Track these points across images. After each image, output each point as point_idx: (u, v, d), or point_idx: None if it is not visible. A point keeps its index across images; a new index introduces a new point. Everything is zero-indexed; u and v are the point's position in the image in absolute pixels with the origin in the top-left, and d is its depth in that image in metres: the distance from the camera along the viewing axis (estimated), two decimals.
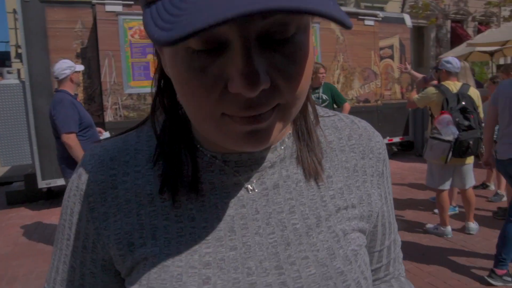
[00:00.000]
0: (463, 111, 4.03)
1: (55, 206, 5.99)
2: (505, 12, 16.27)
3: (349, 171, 0.63)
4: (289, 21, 0.42)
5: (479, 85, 8.14)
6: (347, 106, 5.18)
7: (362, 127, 0.67)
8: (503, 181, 5.30)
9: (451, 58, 4.33)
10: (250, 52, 0.41)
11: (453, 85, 4.15)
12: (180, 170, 0.56)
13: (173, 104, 0.58)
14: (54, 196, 6.40)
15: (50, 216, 5.53)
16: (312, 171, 0.59)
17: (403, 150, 9.71)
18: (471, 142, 3.96)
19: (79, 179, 0.58)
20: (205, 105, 0.44)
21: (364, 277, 0.58)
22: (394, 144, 9.05)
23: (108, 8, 5.46)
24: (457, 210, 5.09)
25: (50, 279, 0.63)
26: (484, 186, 6.20)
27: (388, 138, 8.41)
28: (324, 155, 0.62)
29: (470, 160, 4.20)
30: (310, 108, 0.62)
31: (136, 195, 0.56)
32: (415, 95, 4.46)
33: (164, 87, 0.57)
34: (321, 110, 0.67)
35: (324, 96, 4.99)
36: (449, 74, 4.25)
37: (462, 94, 4.06)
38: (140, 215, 0.56)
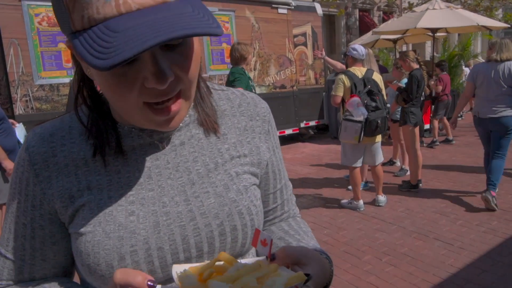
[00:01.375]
0: (370, 93, 4.42)
1: None
2: (405, 4, 17.60)
3: (240, 130, 0.81)
4: None
5: (384, 70, 8.82)
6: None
7: (250, 97, 0.86)
8: (407, 157, 5.86)
9: (357, 46, 4.69)
10: (156, 57, 0.57)
11: (359, 71, 4.52)
12: (107, 138, 0.71)
13: (93, 95, 0.72)
14: None
15: None
16: (210, 128, 0.77)
17: (319, 133, 10.24)
18: (379, 121, 4.36)
19: (25, 152, 0.72)
20: (129, 99, 0.59)
21: (253, 205, 0.76)
22: (310, 127, 9.50)
23: None
24: (368, 185, 5.54)
25: (3, 240, 0.75)
26: (391, 162, 6.79)
27: (304, 122, 8.81)
28: (219, 119, 0.80)
29: (379, 139, 4.62)
30: (202, 84, 0.79)
31: (72, 160, 0.71)
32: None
33: (83, 85, 0.71)
34: (217, 86, 0.85)
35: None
36: (355, 61, 4.62)
37: (367, 79, 4.45)
38: (78, 174, 0.71)
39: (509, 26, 10.38)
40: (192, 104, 0.76)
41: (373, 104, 4.38)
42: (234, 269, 0.59)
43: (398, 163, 6.68)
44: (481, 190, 4.86)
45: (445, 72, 8.56)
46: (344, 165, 4.88)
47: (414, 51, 5.62)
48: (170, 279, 0.69)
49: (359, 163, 4.65)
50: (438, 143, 8.22)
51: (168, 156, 0.74)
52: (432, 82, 8.22)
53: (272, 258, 0.62)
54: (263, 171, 0.83)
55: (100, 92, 0.71)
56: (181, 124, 0.75)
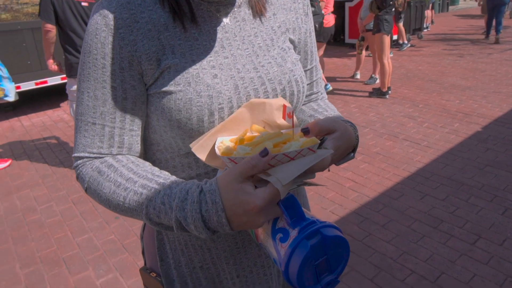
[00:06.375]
0: None
1: None
2: None
3: (286, 10, 0.91)
4: None
5: None
6: None
7: None
8: (378, 65, 6.07)
9: None
10: None
11: None
12: (181, 7, 0.78)
13: None
14: None
15: None
16: (258, 11, 0.85)
17: None
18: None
19: (106, 18, 0.74)
20: None
21: (303, 75, 0.89)
22: None
23: None
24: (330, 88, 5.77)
25: (88, 108, 0.78)
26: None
27: None
28: (268, 1, 0.88)
29: None
30: None
31: (154, 26, 0.76)
32: None
33: None
34: None
35: None
36: None
37: None
38: (160, 39, 0.76)
39: None
40: None
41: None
42: (259, 136, 0.72)
43: (358, 76, 6.95)
44: (445, 97, 5.18)
45: None
46: None
47: None
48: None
49: None
50: (408, 45, 9.09)
51: (235, 30, 0.82)
52: None
53: (305, 131, 0.72)
54: (302, 50, 0.95)
55: None
56: (237, 2, 0.83)
